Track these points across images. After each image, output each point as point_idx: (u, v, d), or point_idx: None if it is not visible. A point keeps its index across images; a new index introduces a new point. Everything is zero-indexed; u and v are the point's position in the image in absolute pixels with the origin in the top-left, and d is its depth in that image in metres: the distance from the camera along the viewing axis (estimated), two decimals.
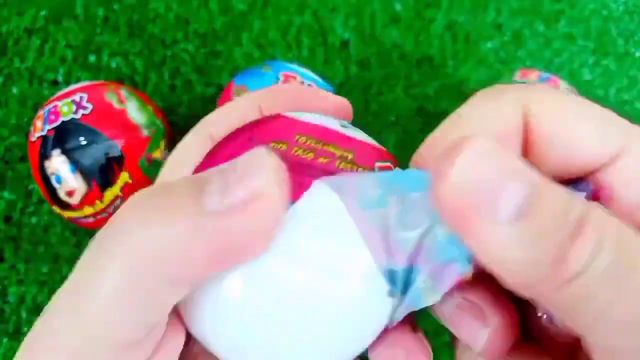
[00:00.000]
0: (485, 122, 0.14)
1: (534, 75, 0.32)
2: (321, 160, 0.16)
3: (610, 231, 0.11)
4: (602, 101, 0.41)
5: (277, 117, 0.17)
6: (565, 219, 0.11)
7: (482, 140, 0.12)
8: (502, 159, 0.12)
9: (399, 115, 0.39)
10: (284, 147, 0.16)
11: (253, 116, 0.17)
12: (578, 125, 0.14)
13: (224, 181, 0.12)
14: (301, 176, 0.15)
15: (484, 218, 0.11)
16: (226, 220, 0.12)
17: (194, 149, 0.16)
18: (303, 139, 0.16)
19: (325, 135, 0.16)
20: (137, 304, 0.13)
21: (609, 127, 0.14)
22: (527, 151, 0.14)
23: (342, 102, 0.18)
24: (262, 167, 0.12)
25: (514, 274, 0.11)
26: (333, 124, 0.17)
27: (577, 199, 0.12)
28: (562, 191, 0.12)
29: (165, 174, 0.17)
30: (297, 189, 0.14)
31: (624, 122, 0.14)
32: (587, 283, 0.11)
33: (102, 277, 0.13)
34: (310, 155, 0.16)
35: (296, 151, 0.16)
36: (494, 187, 0.11)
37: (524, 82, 0.32)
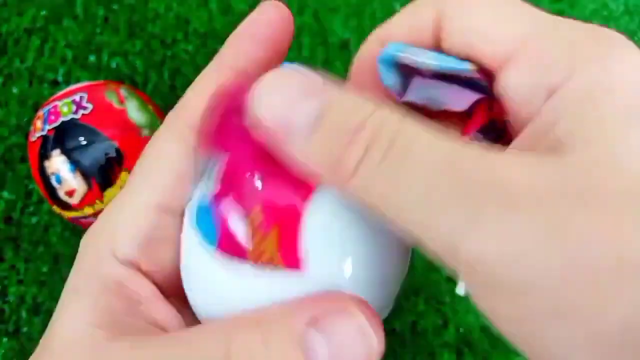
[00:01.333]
0: (401, 19, 0.16)
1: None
2: None
3: (387, 129, 0.13)
4: None
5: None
6: (347, 126, 0.13)
7: (286, 66, 0.14)
8: (300, 78, 0.14)
9: None
10: None
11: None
12: (481, 20, 0.14)
13: (327, 347, 0.14)
14: None
15: (289, 134, 0.13)
16: None
17: (172, 147, 0.18)
18: None
19: None
20: None
21: (511, 20, 0.14)
22: (438, 48, 0.15)
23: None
24: (354, 321, 0.14)
25: (322, 179, 0.14)
26: None
27: (364, 106, 0.13)
28: (351, 101, 0.13)
29: (138, 175, 0.18)
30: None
31: (529, 12, 0.15)
32: (362, 178, 0.13)
33: None
34: None
35: None
36: (293, 105, 0.13)
37: None
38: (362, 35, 0.40)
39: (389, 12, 0.41)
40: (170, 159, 0.17)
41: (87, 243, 0.17)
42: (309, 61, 0.40)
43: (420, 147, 0.12)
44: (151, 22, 0.40)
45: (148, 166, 0.18)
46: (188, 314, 0.17)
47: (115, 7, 0.40)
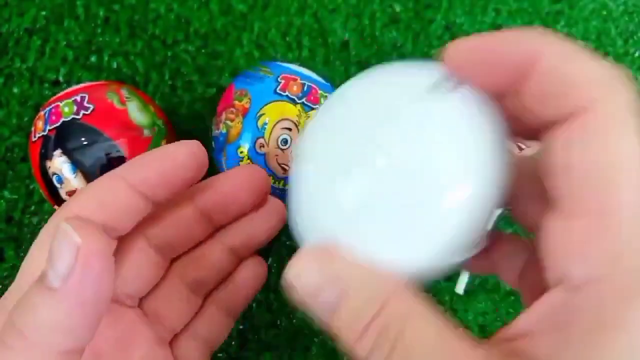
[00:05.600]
0: (498, 38, 0.16)
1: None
2: None
3: (391, 331, 0.15)
4: None
5: None
6: (357, 325, 0.15)
7: (307, 249, 0.17)
8: (324, 263, 0.16)
9: None
10: None
11: (119, 190, 0.20)
12: (575, 69, 0.15)
13: (51, 265, 0.16)
14: None
15: (318, 312, 0.16)
16: (70, 283, 0.16)
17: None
18: None
19: None
20: None
21: (596, 78, 0.15)
22: (521, 82, 0.16)
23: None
24: (65, 236, 0.17)
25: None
26: None
27: (373, 303, 0.15)
28: (361, 296, 0.16)
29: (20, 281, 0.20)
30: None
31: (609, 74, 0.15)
32: None
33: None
34: None
35: None
36: (317, 293, 0.16)
37: None
38: (362, 35, 0.41)
39: (389, 12, 0.41)
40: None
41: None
42: (309, 61, 0.40)
43: (420, 349, 0.14)
44: (152, 23, 0.40)
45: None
46: None
47: (116, 7, 0.40)
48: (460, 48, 0.17)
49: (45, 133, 0.30)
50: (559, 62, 0.15)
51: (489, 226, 0.17)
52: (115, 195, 0.20)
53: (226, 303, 0.27)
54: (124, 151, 0.30)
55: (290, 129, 0.31)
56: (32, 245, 0.20)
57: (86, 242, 0.16)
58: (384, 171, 0.16)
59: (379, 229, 0.16)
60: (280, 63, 0.34)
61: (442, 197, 0.16)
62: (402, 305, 0.15)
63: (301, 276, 0.16)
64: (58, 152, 0.30)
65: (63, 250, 0.16)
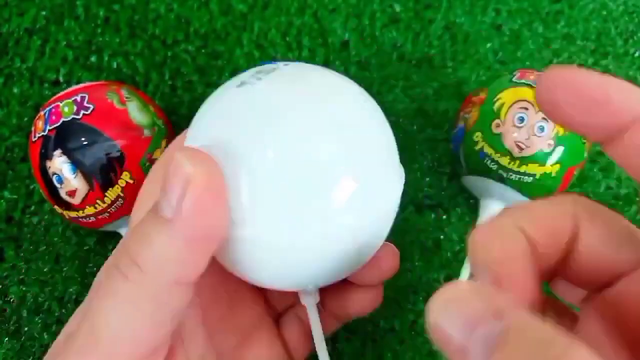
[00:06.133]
0: (542, 218, 0.16)
1: (533, 76, 0.32)
2: None
3: None
4: None
5: None
6: None
7: (461, 284, 0.13)
8: (480, 301, 0.13)
9: (399, 116, 0.39)
10: None
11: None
12: (611, 240, 0.15)
13: (164, 195, 0.16)
14: None
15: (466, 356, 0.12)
16: (183, 216, 0.16)
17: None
18: None
19: None
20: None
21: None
22: (568, 251, 0.16)
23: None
24: (180, 170, 0.16)
25: None
26: None
27: (555, 342, 0.12)
28: (537, 331, 0.12)
29: (138, 211, 0.21)
30: None
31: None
32: None
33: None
34: None
35: None
36: (473, 329, 0.12)
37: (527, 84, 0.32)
38: (362, 35, 0.41)
39: (389, 12, 0.41)
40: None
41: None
42: (309, 61, 0.40)
43: None
44: (152, 23, 0.40)
45: (147, 197, 0.22)
46: None
47: (116, 7, 0.40)
48: (556, 84, 0.15)
49: (45, 133, 0.30)
50: None
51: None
52: None
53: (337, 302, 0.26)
54: (124, 151, 0.30)
55: None
56: (147, 177, 0.21)
57: (197, 173, 0.16)
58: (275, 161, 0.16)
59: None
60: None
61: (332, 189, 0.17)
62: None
63: (453, 310, 0.13)
64: (58, 152, 0.30)
65: (175, 181, 0.16)
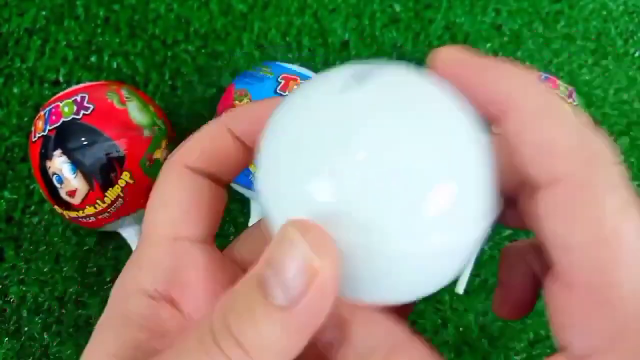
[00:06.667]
0: (483, 81, 0.16)
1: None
2: None
3: None
4: (601, 101, 0.41)
5: None
6: None
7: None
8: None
9: None
10: None
11: (224, 140, 0.19)
12: (555, 132, 0.15)
13: (278, 279, 0.15)
14: None
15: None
16: (299, 308, 0.15)
17: (173, 184, 0.19)
18: None
19: None
20: None
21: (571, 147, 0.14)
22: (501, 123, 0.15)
23: None
24: (297, 252, 0.14)
25: None
26: None
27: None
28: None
29: (150, 215, 0.19)
30: None
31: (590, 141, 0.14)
32: None
33: None
34: None
35: None
36: None
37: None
38: (362, 35, 0.41)
39: (389, 12, 0.41)
40: (175, 195, 0.19)
41: (117, 282, 0.19)
42: (309, 61, 0.40)
43: None
44: (152, 23, 0.40)
45: (158, 203, 0.19)
46: None
47: (116, 7, 0.40)
48: (448, 64, 0.16)
49: (45, 133, 0.30)
50: (535, 124, 0.15)
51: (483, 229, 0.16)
52: (223, 146, 0.20)
53: None
54: (124, 151, 0.30)
55: None
56: (152, 192, 0.19)
57: (325, 266, 0.15)
58: (366, 165, 0.15)
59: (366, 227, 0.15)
60: (282, 64, 0.34)
61: (429, 200, 0.15)
62: None
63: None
64: (58, 152, 0.30)
65: (296, 269, 0.15)
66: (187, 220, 0.19)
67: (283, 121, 0.16)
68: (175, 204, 0.19)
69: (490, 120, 0.16)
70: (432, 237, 0.15)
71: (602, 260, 0.13)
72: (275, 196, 0.16)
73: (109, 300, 0.18)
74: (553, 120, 0.15)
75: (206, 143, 0.20)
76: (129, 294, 0.18)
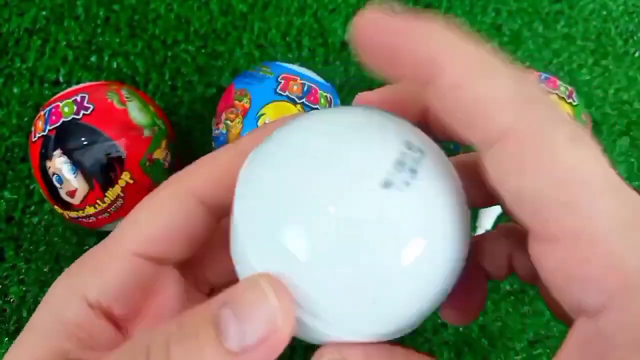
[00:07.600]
0: (408, 41, 0.15)
1: (532, 76, 0.32)
2: None
3: None
4: (601, 101, 0.41)
5: None
6: None
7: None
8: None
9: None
10: None
11: (235, 163, 0.17)
12: (482, 88, 0.14)
13: (237, 324, 0.14)
14: None
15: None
16: (247, 356, 0.14)
17: (170, 206, 0.18)
18: None
19: None
20: None
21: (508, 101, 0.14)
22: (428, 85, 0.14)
23: None
24: (265, 305, 0.14)
25: None
26: None
27: None
28: None
29: (125, 223, 0.18)
30: None
31: (528, 92, 0.14)
32: None
33: None
34: None
35: None
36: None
37: None
38: None
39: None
40: (165, 213, 0.18)
41: (59, 281, 0.18)
42: (309, 61, 0.40)
43: None
44: (152, 23, 0.40)
45: (140, 216, 0.18)
46: None
47: (116, 7, 0.40)
48: (367, 29, 0.15)
49: (45, 133, 0.30)
50: (466, 80, 0.14)
51: (455, 276, 0.16)
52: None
53: None
54: (123, 151, 0.30)
55: None
56: (139, 203, 0.19)
57: (284, 325, 0.14)
58: (338, 221, 0.14)
59: (335, 285, 0.14)
60: (282, 64, 0.34)
61: (401, 254, 0.14)
62: None
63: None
64: (58, 152, 0.30)
65: (258, 321, 0.14)
66: (168, 242, 0.18)
67: (258, 171, 0.16)
68: (162, 222, 0.18)
69: (421, 85, 0.15)
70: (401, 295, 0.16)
71: (570, 199, 0.13)
72: (252, 240, 0.15)
73: (47, 295, 0.18)
74: (487, 73, 0.14)
75: (216, 170, 0.18)
76: (71, 297, 0.17)
